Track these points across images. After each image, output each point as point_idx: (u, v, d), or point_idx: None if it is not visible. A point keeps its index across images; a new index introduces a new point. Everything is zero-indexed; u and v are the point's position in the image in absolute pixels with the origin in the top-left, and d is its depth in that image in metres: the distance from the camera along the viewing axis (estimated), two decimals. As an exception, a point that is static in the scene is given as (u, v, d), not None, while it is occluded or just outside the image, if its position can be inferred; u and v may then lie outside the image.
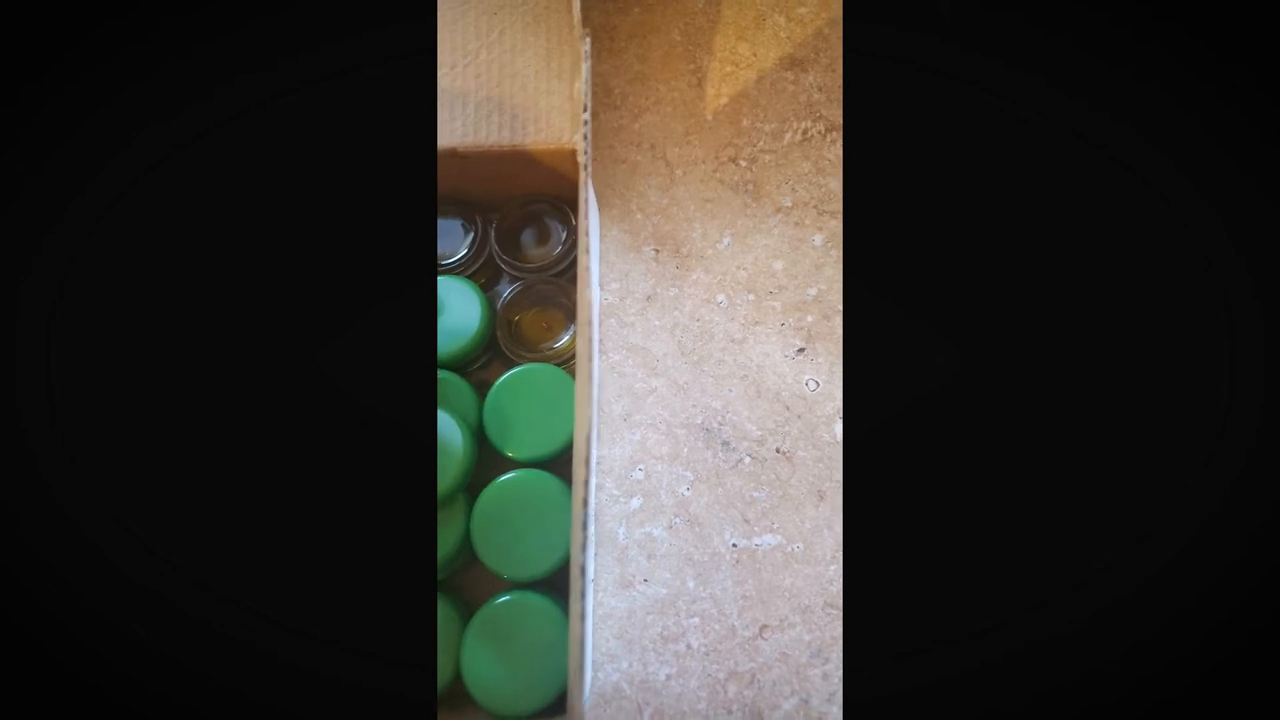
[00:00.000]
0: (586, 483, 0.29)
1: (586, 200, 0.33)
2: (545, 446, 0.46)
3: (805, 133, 0.56)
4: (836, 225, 0.55)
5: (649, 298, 0.54)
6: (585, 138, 0.34)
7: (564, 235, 0.51)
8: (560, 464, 0.46)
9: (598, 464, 0.50)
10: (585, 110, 0.34)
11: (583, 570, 0.28)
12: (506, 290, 0.51)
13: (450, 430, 0.44)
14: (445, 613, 0.43)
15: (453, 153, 0.48)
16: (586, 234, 0.33)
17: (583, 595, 0.27)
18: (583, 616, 0.27)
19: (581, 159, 0.33)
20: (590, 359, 0.31)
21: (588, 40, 0.38)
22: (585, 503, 0.29)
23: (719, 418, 0.51)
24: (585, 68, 0.35)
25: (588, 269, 0.32)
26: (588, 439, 0.29)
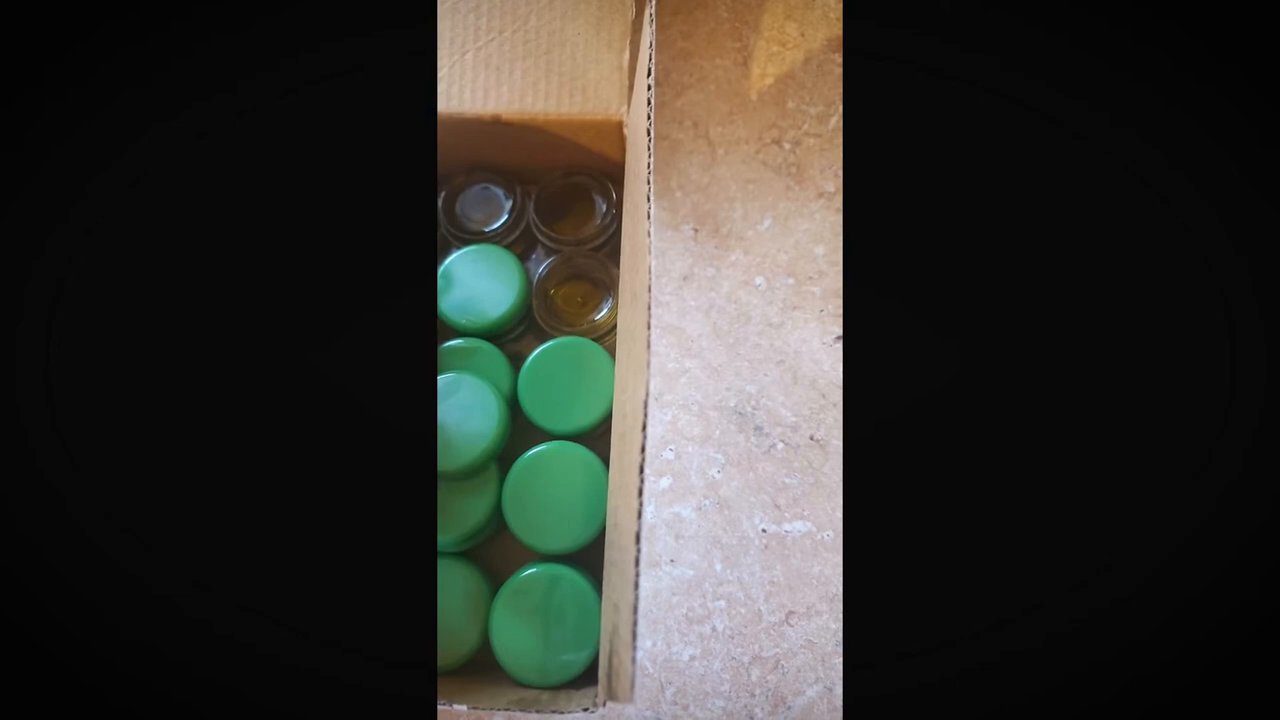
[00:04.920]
0: (643, 449, 0.28)
1: (649, 165, 0.32)
2: (580, 420, 0.45)
3: (851, 118, 0.56)
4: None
5: (686, 277, 0.54)
6: (649, 103, 0.33)
7: (605, 209, 0.51)
8: (593, 439, 0.46)
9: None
10: (649, 75, 0.34)
11: (637, 537, 0.27)
12: (544, 262, 0.50)
13: (486, 399, 0.43)
14: (474, 581, 0.43)
15: (496, 119, 0.47)
16: (648, 200, 0.32)
17: (636, 562, 0.27)
18: (635, 584, 0.27)
19: (646, 124, 0.33)
20: (648, 326, 0.30)
21: (653, 2, 0.37)
22: (641, 469, 0.28)
23: (753, 402, 0.51)
24: (650, 30, 0.34)
25: (648, 234, 0.31)
26: (644, 404, 0.29)
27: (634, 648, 0.26)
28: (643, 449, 0.28)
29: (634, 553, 0.27)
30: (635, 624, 0.26)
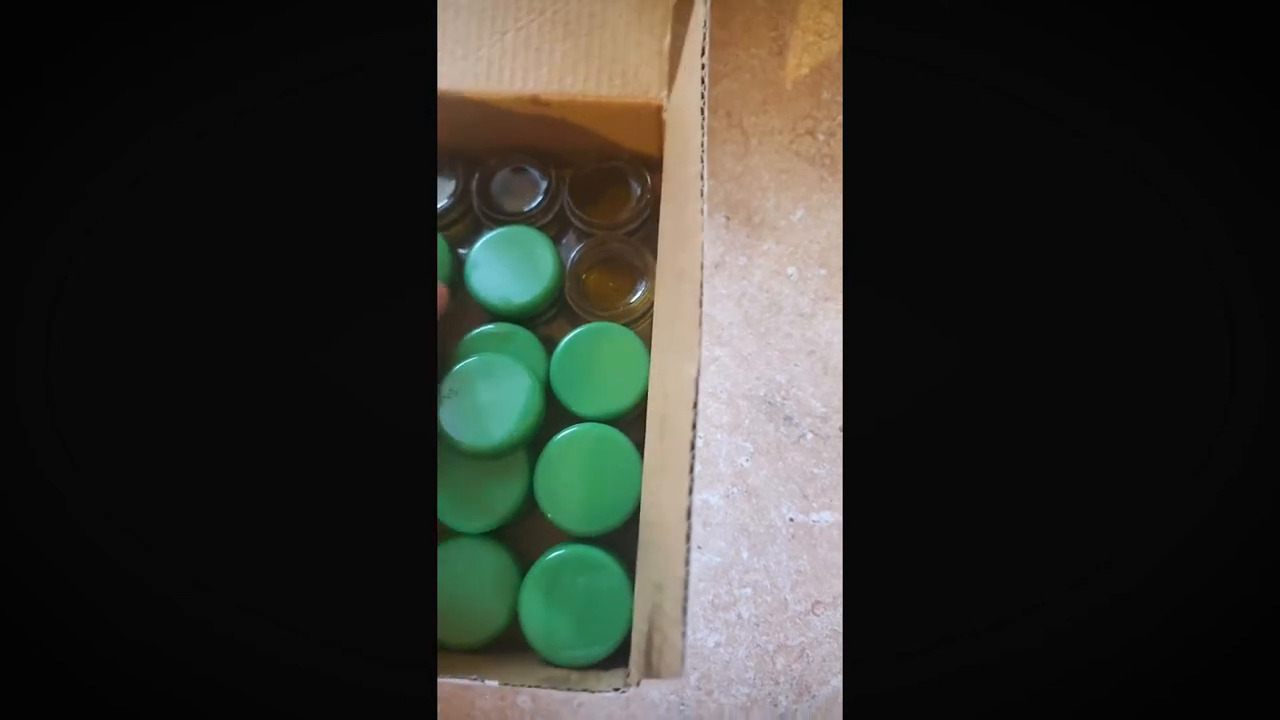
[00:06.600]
0: (694, 426, 0.28)
1: (702, 144, 0.32)
2: (612, 405, 0.45)
3: (887, 109, 0.55)
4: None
5: (717, 265, 0.53)
6: (703, 81, 0.33)
7: (639, 193, 0.50)
8: (625, 424, 0.46)
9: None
10: (703, 55, 0.34)
11: (688, 513, 0.27)
12: (577, 246, 0.50)
13: (520, 380, 0.43)
14: (503, 561, 0.43)
15: (535, 100, 0.47)
16: (701, 179, 0.32)
17: (687, 538, 0.27)
18: (686, 560, 0.27)
19: (700, 103, 0.33)
20: (700, 304, 0.30)
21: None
22: (692, 445, 0.28)
23: (783, 391, 0.51)
24: (704, 9, 0.34)
25: (701, 212, 0.31)
26: (694, 382, 0.28)
27: (684, 624, 0.26)
28: (694, 426, 0.28)
29: (684, 529, 0.27)
30: (685, 601, 0.26)
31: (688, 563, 0.27)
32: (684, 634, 0.26)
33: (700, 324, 0.30)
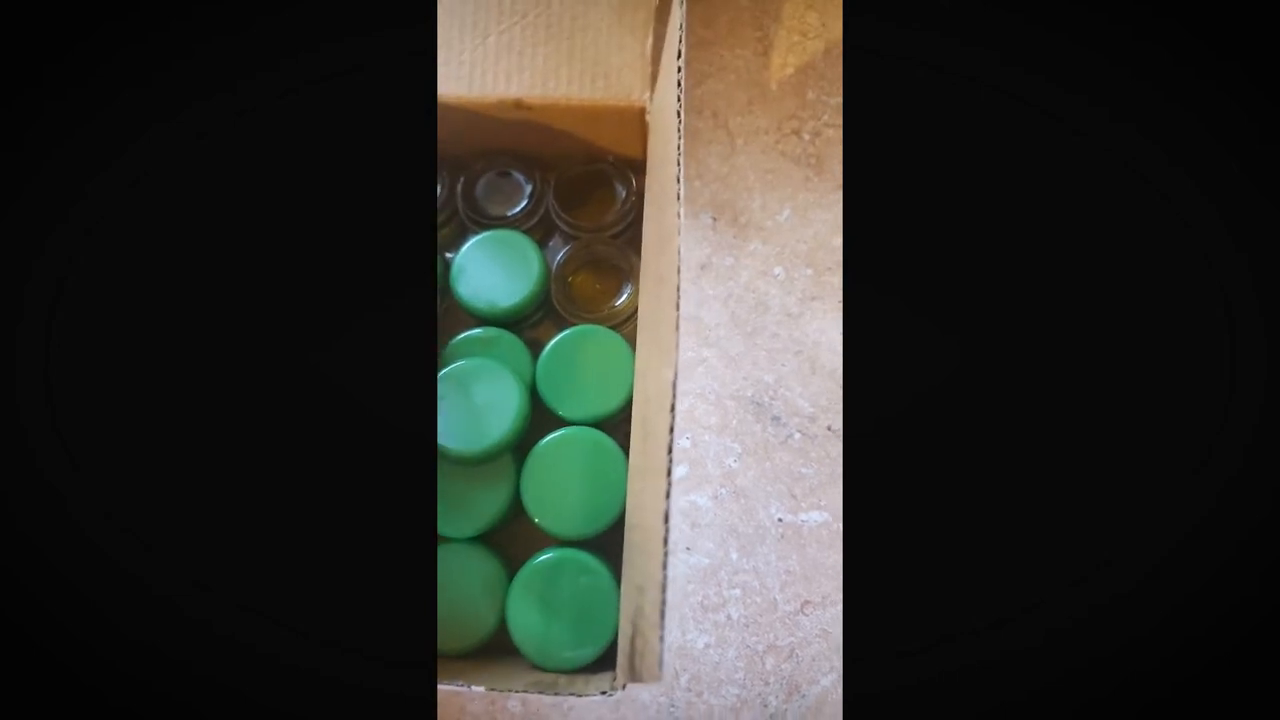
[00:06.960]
0: (671, 429, 0.28)
1: (679, 148, 0.32)
2: (598, 408, 0.45)
3: (870, 110, 0.56)
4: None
5: (703, 266, 0.53)
6: (679, 85, 0.33)
7: (624, 196, 0.50)
8: (612, 427, 0.46)
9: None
10: (679, 58, 0.34)
11: (665, 516, 0.27)
12: (562, 249, 0.50)
13: (506, 385, 0.43)
14: (490, 566, 0.43)
15: (519, 103, 0.47)
16: (678, 182, 0.32)
17: (665, 541, 0.27)
18: (664, 564, 0.27)
19: (676, 106, 0.32)
20: (676, 307, 0.30)
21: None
22: (669, 449, 0.28)
23: (770, 392, 0.51)
24: (680, 12, 0.34)
25: (678, 215, 0.31)
26: (672, 385, 0.28)
27: (662, 627, 0.26)
28: (671, 429, 0.28)
29: (662, 533, 0.27)
30: (664, 604, 0.26)
31: (665, 566, 0.27)
32: (661, 637, 0.26)
33: (677, 328, 0.30)
